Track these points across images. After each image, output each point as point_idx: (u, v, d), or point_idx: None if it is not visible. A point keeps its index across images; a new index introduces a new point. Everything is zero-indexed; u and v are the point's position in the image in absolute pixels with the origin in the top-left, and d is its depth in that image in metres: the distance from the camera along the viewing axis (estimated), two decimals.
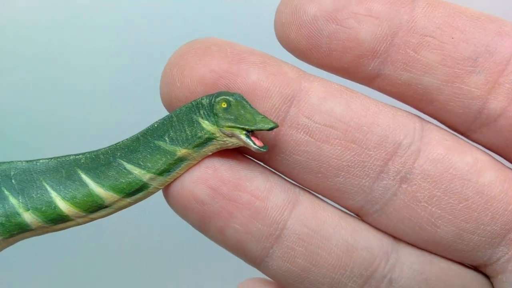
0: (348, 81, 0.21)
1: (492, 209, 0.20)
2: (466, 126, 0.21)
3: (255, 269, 0.22)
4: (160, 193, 0.21)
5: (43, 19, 0.37)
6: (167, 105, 0.20)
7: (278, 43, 0.21)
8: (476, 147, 0.21)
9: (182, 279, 0.42)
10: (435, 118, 0.21)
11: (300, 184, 0.21)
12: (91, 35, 0.37)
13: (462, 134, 0.21)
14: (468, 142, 0.21)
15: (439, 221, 0.21)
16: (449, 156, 0.20)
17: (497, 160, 0.21)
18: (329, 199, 0.21)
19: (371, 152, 0.20)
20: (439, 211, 0.20)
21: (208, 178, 0.20)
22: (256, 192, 0.20)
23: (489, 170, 0.21)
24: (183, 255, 0.42)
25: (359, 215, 0.22)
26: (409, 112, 0.21)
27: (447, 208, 0.20)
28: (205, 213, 0.20)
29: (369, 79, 0.21)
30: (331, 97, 0.20)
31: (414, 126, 0.21)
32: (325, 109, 0.20)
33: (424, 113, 0.21)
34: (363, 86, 0.21)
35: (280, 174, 0.21)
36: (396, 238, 0.22)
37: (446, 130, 0.21)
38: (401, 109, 0.21)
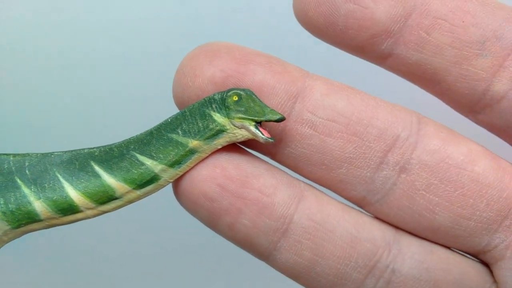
0: (349, 79, 0.22)
1: (487, 196, 0.21)
2: (470, 106, 0.22)
3: (263, 262, 0.22)
4: (164, 192, 0.22)
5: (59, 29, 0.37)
6: (179, 104, 0.21)
7: (283, 48, 0.21)
8: (470, 139, 0.22)
9: (188, 274, 0.42)
10: (441, 98, 0.22)
11: (305, 177, 0.22)
12: (107, 40, 0.37)
13: (466, 115, 0.22)
14: (462, 135, 0.22)
15: (437, 208, 0.21)
16: (445, 147, 0.21)
17: (490, 150, 0.22)
18: (332, 190, 0.22)
19: (371, 144, 0.21)
20: (437, 199, 0.21)
21: (216, 176, 0.21)
22: (263, 189, 0.21)
23: (483, 159, 0.22)
24: (189, 250, 0.41)
25: (361, 205, 0.22)
26: (406, 107, 0.22)
27: (444, 196, 0.21)
28: (215, 209, 0.21)
29: (382, 58, 0.21)
30: (333, 93, 0.21)
31: (411, 119, 0.22)
32: (328, 105, 0.21)
33: (432, 93, 0.22)
34: (364, 83, 0.22)
35: (286, 170, 0.22)
36: (397, 228, 0.22)
37: (441, 124, 0.22)
38: (398, 104, 0.22)
